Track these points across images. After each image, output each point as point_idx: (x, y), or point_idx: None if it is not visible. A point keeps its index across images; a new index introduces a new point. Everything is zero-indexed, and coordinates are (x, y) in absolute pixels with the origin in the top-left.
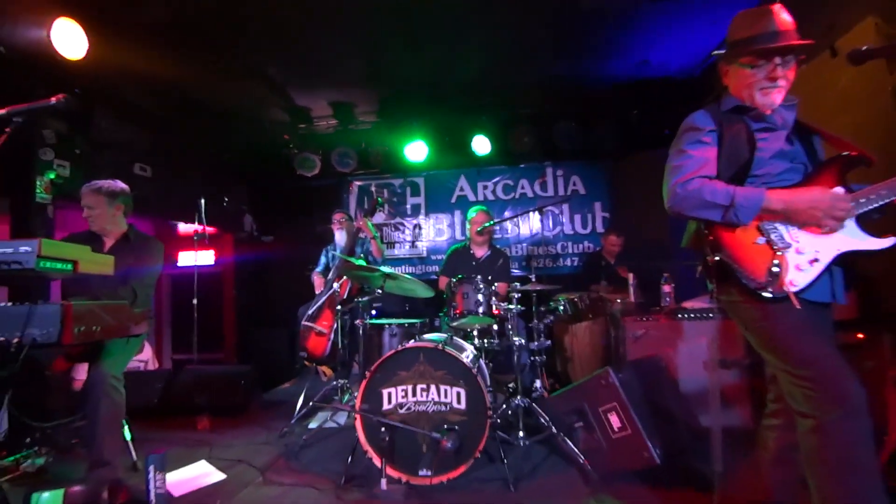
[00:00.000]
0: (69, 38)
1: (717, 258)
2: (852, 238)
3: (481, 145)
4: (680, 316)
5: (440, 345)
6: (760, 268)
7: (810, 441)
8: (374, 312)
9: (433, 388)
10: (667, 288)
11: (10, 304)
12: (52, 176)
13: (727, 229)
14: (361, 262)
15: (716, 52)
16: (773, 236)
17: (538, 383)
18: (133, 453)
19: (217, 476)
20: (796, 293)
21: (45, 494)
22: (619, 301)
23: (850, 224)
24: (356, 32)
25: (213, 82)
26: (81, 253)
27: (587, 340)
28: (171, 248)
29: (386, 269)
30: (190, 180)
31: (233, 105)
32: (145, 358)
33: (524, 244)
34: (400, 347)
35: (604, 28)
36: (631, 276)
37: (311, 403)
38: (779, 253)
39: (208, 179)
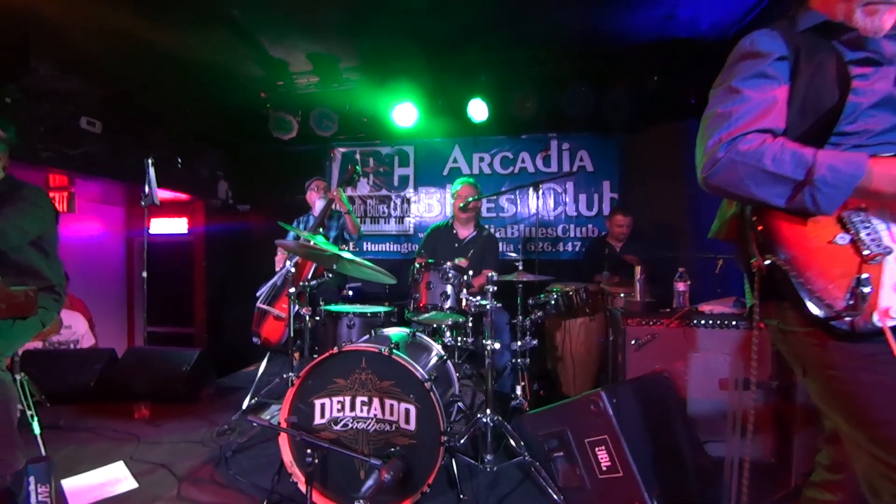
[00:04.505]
0: None
1: (766, 262)
2: None
3: (478, 110)
4: (695, 321)
5: (386, 350)
6: (838, 283)
7: None
8: (349, 294)
9: (376, 401)
10: (681, 286)
11: None
12: None
13: (789, 217)
14: (320, 239)
15: None
16: (863, 234)
17: (518, 390)
18: (42, 449)
19: (128, 485)
20: None
21: None
22: (622, 296)
23: None
24: None
25: (172, 28)
26: None
27: (581, 339)
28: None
29: (346, 251)
30: (150, 139)
31: (200, 57)
32: (77, 335)
33: (521, 225)
34: (335, 350)
35: None
36: (638, 268)
37: (254, 400)
38: (871, 262)
39: (174, 140)
